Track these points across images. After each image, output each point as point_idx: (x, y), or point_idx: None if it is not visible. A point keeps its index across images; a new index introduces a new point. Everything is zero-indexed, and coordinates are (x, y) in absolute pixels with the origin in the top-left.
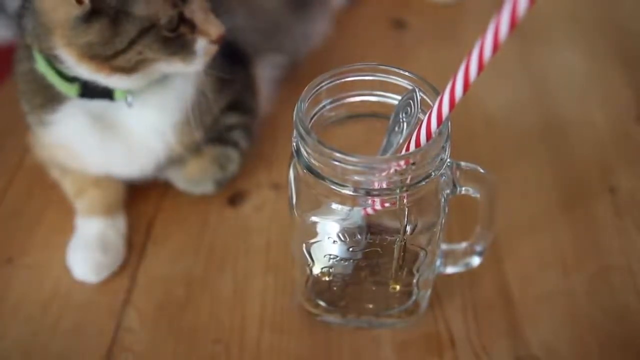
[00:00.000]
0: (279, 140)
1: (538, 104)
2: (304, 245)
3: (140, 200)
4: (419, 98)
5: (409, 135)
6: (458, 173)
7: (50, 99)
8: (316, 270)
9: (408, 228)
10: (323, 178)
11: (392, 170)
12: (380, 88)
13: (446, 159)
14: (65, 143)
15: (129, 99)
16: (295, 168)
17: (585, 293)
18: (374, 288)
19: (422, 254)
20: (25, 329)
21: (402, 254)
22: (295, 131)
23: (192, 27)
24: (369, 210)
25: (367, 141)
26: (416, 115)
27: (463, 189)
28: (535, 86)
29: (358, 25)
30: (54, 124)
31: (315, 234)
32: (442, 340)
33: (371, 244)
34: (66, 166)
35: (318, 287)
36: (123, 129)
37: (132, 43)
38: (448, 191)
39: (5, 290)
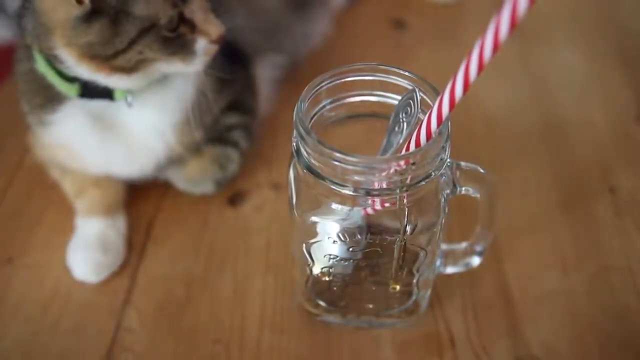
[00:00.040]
0: (279, 140)
1: (538, 104)
2: (304, 245)
3: (140, 200)
4: (419, 98)
5: (409, 135)
6: (458, 173)
7: (50, 99)
8: (316, 270)
9: (408, 228)
10: (323, 178)
11: (392, 170)
12: (380, 88)
13: (446, 159)
14: (65, 143)
15: (129, 99)
16: (295, 168)
17: (585, 293)
18: (374, 288)
19: (422, 254)
20: (25, 329)
21: (402, 254)
22: (295, 131)
23: (192, 27)
24: (369, 210)
25: (367, 141)
26: (416, 115)
27: (463, 189)
28: (535, 86)
29: (358, 25)
30: (54, 124)
31: (315, 234)
32: (442, 340)
33: (371, 244)
34: (66, 166)
35: (318, 287)
36: (123, 129)
37: (132, 43)
38: (448, 191)
39: (5, 290)
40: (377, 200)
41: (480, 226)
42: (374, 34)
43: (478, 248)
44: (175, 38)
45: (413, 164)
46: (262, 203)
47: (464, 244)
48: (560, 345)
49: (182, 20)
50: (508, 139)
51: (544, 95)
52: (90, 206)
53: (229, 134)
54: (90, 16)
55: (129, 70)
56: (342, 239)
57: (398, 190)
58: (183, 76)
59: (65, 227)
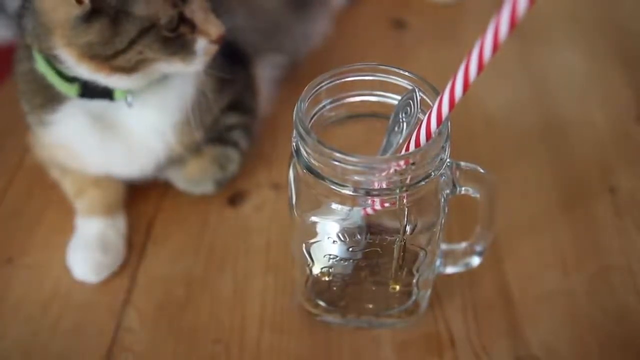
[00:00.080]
0: (279, 140)
1: (538, 104)
2: (304, 245)
3: (140, 200)
4: (418, 98)
5: (409, 135)
6: (458, 173)
7: (50, 99)
8: (316, 270)
9: (408, 228)
10: (323, 178)
11: (392, 170)
12: (380, 88)
13: (446, 159)
14: (65, 143)
15: (129, 99)
16: (295, 168)
17: (585, 293)
18: (374, 288)
19: (422, 254)
20: (25, 329)
21: (402, 254)
22: (295, 131)
23: (192, 27)
24: (369, 210)
25: (367, 141)
26: (416, 115)
27: (463, 189)
28: (535, 86)
29: (358, 25)
30: (54, 124)
31: (315, 234)
32: (442, 340)
33: (371, 244)
34: (66, 166)
35: (318, 287)
36: (123, 129)
37: (132, 43)
38: (448, 191)
39: (5, 290)
40: (377, 200)
41: (480, 226)
42: (374, 34)
43: (478, 248)
44: (175, 38)
45: (413, 164)
46: (262, 203)
47: (464, 244)
48: (560, 345)
49: (182, 20)
50: (508, 139)
51: (544, 95)
52: (90, 206)
53: (229, 134)
54: (90, 16)
55: (129, 70)
56: (342, 239)
57: (398, 190)
58: (183, 76)
59: (65, 227)
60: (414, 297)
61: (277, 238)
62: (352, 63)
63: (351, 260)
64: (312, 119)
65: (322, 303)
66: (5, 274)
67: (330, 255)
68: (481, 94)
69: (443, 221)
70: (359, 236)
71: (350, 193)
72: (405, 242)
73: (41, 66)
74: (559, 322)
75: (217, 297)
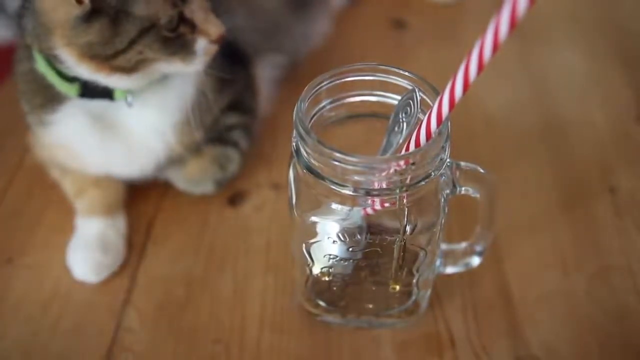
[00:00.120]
0: (279, 140)
1: (538, 104)
2: (304, 245)
3: (140, 200)
4: (418, 98)
5: (409, 135)
6: (458, 173)
7: (50, 99)
8: (316, 270)
9: (408, 228)
10: (323, 178)
11: (392, 170)
12: (380, 88)
13: (446, 159)
14: (65, 143)
15: (129, 98)
16: (295, 168)
17: (585, 293)
18: (374, 288)
19: (422, 254)
20: (25, 329)
21: (402, 254)
22: (295, 131)
23: (192, 27)
24: (369, 210)
25: (367, 141)
26: (416, 115)
27: (463, 189)
28: (535, 86)
29: (358, 25)
30: (54, 124)
31: (315, 234)
32: (442, 340)
33: (371, 244)
34: (66, 166)
35: (318, 287)
36: (123, 129)
37: (132, 43)
38: (448, 191)
39: (5, 290)
40: (377, 200)
41: (480, 226)
42: (374, 34)
43: (478, 248)
44: (175, 38)
45: (413, 164)
46: (262, 203)
47: (464, 244)
48: (560, 345)
49: (182, 20)
50: (508, 139)
51: (544, 95)
52: (90, 206)
53: (229, 134)
54: (90, 16)
55: (129, 70)
56: (342, 239)
57: (398, 190)
58: (183, 76)
59: (65, 227)
60: (414, 297)
61: (277, 238)
62: (352, 63)
63: (351, 260)
64: (312, 119)
65: (322, 303)
66: (5, 274)
67: (330, 255)
68: (481, 94)
69: (443, 221)
70: (359, 236)
71: (350, 193)
72: (405, 242)
73: (41, 66)
74: (559, 322)
75: (217, 297)
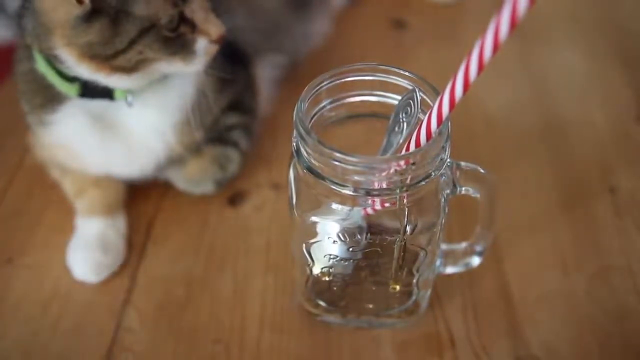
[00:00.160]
0: (279, 140)
1: (538, 104)
2: (304, 245)
3: (140, 200)
4: (419, 98)
5: (409, 135)
6: (458, 173)
7: (50, 99)
8: (316, 270)
9: (408, 228)
10: (323, 178)
11: (392, 170)
12: (380, 88)
13: (446, 159)
14: (65, 143)
15: (129, 98)
16: (295, 168)
17: (585, 293)
18: (374, 288)
19: (422, 254)
20: (25, 329)
21: (402, 254)
22: (295, 131)
23: (193, 26)
24: (369, 210)
25: (367, 141)
26: (416, 115)
27: (463, 189)
28: (535, 86)
29: (358, 25)
30: (54, 124)
31: (315, 234)
32: (442, 340)
33: (371, 244)
34: (66, 166)
35: (318, 287)
36: (123, 128)
37: (132, 43)
38: (448, 191)
39: (5, 290)
40: (377, 200)
41: (480, 226)
42: (374, 34)
43: (478, 248)
44: (176, 38)
45: (413, 164)
46: (262, 203)
47: (464, 244)
48: (560, 345)
49: (183, 20)
50: (508, 139)
51: (544, 95)
52: (90, 206)
53: (229, 134)
54: (91, 16)
55: (129, 70)
56: (342, 239)
57: (398, 190)
58: (183, 76)
59: (65, 227)
60: (414, 297)
61: (277, 238)
62: (352, 63)
63: (351, 260)
64: (312, 119)
65: (322, 303)
66: (5, 274)
67: (330, 255)
68: (481, 94)
69: (443, 221)
70: (359, 236)
71: (351, 193)
72: (405, 242)
73: (41, 66)
74: (559, 322)
75: (217, 297)
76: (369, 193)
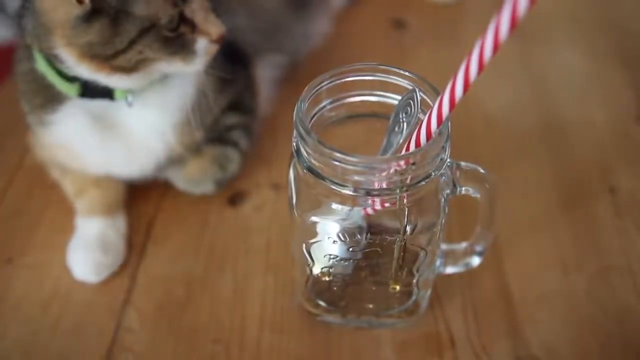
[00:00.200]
0: (279, 140)
1: (538, 104)
2: (304, 245)
3: (140, 200)
4: (419, 98)
5: (409, 135)
6: (458, 173)
7: (50, 99)
8: (316, 270)
9: (408, 228)
10: (323, 178)
11: (392, 170)
12: (380, 88)
13: (446, 159)
14: (65, 143)
15: (129, 98)
16: (295, 168)
17: (585, 293)
18: (374, 288)
19: (422, 254)
20: (25, 329)
21: (402, 254)
22: (295, 131)
23: (193, 26)
24: (369, 210)
25: (367, 141)
26: (416, 115)
27: (463, 189)
28: (535, 86)
29: (358, 25)
30: (54, 124)
31: (315, 234)
32: (442, 340)
33: (371, 244)
34: (66, 166)
35: (318, 287)
36: (123, 128)
37: (132, 43)
38: (448, 191)
39: (5, 290)
40: (377, 200)
41: (480, 226)
42: (374, 34)
43: (478, 248)
44: (176, 38)
45: (413, 164)
46: (262, 203)
47: (464, 244)
48: (560, 345)
49: (183, 19)
50: (508, 139)
51: (544, 95)
52: (90, 206)
53: (229, 134)
54: (91, 16)
55: (129, 70)
56: (342, 239)
57: (398, 190)
58: (183, 76)
59: (65, 227)
60: (414, 297)
61: (277, 238)
62: (352, 63)
63: (351, 260)
64: (312, 119)
65: (322, 303)
66: (5, 274)
67: (330, 255)
68: (481, 94)
69: (443, 221)
70: (359, 236)
71: (351, 193)
72: (405, 242)
73: (41, 66)
74: (559, 322)
75: (217, 297)
76: (369, 193)
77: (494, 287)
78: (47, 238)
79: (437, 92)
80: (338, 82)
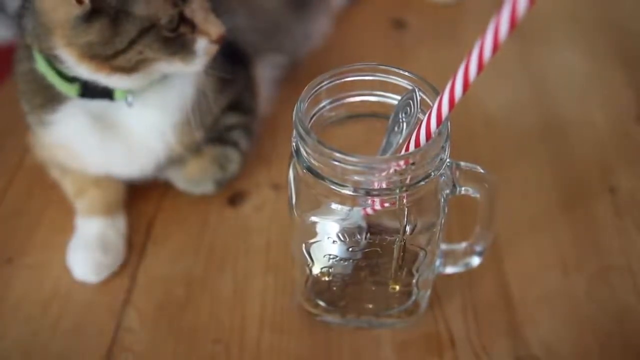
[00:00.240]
0: (278, 140)
1: (538, 104)
2: (303, 245)
3: (140, 200)
4: (418, 98)
5: (409, 135)
6: (458, 173)
7: (50, 99)
8: (316, 270)
9: (408, 228)
10: (323, 178)
11: (391, 170)
12: (380, 88)
13: (446, 159)
14: (65, 143)
15: (129, 98)
16: (295, 168)
17: (585, 293)
18: (373, 288)
19: (421, 254)
20: (25, 329)
21: (402, 254)
22: (295, 131)
23: (193, 27)
24: (369, 210)
25: (367, 141)
26: (416, 115)
27: (463, 189)
28: (535, 86)
29: (358, 25)
30: (54, 124)
31: (315, 234)
32: (442, 340)
33: (371, 244)
34: (66, 166)
35: (318, 287)
36: (123, 129)
37: (132, 43)
38: (448, 191)
39: (5, 290)
40: (377, 200)
41: (480, 226)
42: (374, 34)
43: (478, 248)
44: (176, 38)
45: (413, 164)
46: (262, 203)
47: (464, 244)
48: (560, 345)
49: (183, 20)
50: (508, 139)
51: (544, 95)
52: (90, 206)
53: (229, 134)
54: (90, 16)
55: (129, 70)
56: (342, 239)
57: (398, 190)
58: (183, 76)
59: (65, 227)
60: (414, 297)
61: (277, 238)
62: (352, 63)
63: (351, 260)
64: (312, 119)
65: (322, 303)
66: (5, 274)
67: (330, 255)
68: (481, 94)
69: (443, 221)
70: (358, 236)
71: (350, 193)
72: (405, 242)
73: (41, 66)
74: (559, 322)
75: (217, 297)
76: (368, 193)
77: (494, 287)
78: (47, 238)
79: (436, 92)
80: (338, 82)
